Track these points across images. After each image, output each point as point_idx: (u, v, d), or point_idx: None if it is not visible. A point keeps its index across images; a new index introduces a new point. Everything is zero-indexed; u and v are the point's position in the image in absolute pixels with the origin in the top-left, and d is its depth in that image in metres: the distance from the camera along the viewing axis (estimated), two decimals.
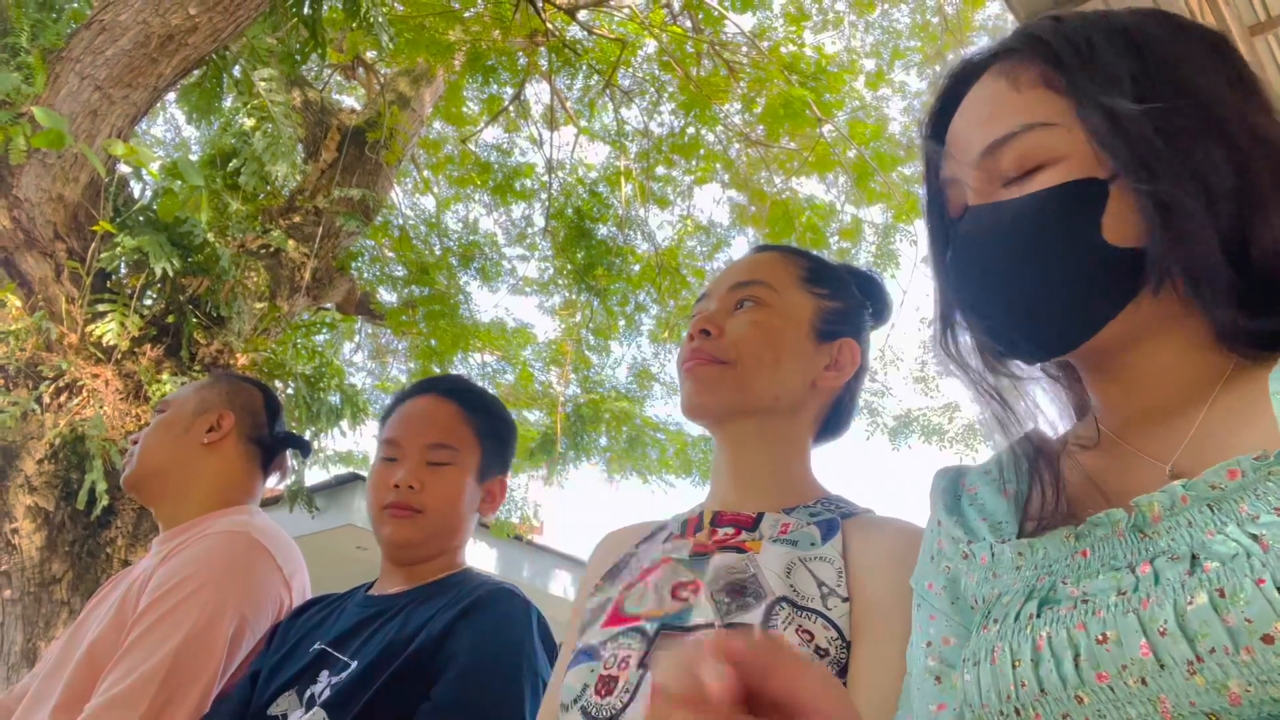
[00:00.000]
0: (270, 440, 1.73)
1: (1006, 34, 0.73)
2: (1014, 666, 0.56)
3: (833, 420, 1.11)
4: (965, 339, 0.73)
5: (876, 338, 1.16)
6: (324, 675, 1.23)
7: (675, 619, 0.91)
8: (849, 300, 1.10)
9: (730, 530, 0.99)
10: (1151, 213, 0.60)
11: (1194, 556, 0.51)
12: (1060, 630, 0.54)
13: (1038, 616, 0.57)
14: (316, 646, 1.29)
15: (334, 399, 4.58)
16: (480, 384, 1.58)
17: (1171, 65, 0.64)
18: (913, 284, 6.84)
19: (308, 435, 4.30)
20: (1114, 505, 0.60)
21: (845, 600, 0.87)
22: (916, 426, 8.09)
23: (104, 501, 3.16)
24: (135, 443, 1.66)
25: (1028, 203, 0.64)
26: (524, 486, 7.28)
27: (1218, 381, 0.63)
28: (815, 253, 1.18)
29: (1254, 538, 0.49)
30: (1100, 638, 0.52)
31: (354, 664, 1.21)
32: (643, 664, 0.88)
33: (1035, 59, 0.67)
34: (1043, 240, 0.63)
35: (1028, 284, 0.64)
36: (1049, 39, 0.67)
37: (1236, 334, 0.62)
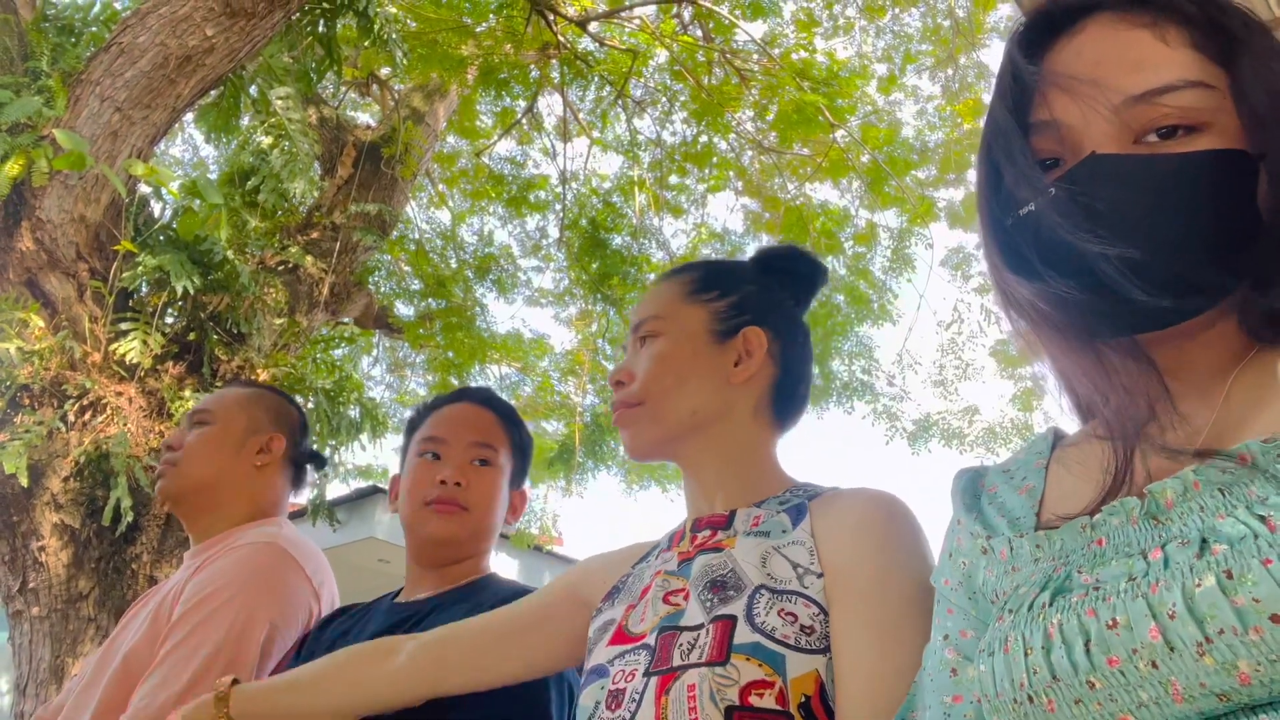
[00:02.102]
0: (301, 458, 1.76)
1: None
2: (1026, 654, 0.56)
3: (780, 403, 1.10)
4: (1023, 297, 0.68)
5: (893, 341, 1.16)
6: None
7: (669, 620, 0.93)
8: (741, 290, 1.10)
9: (708, 533, 1.01)
10: None
11: (1203, 540, 0.52)
12: (1071, 617, 0.54)
13: (1051, 605, 0.57)
14: None
15: (353, 413, 4.61)
16: (499, 395, 1.63)
17: None
18: (928, 287, 6.83)
19: (329, 449, 4.33)
20: (1134, 494, 0.60)
21: (820, 576, 0.89)
22: (936, 430, 8.05)
23: (129, 518, 3.19)
24: (172, 449, 1.66)
25: (1196, 161, 0.60)
26: (543, 497, 7.30)
27: (1235, 367, 0.62)
28: (714, 259, 1.18)
29: (1261, 519, 0.49)
30: (1110, 622, 0.52)
31: None
32: (647, 673, 0.90)
33: (1175, 18, 0.65)
34: (1206, 203, 0.60)
35: (1175, 246, 0.60)
36: (1202, 3, 0.65)
37: (1265, 320, 0.61)
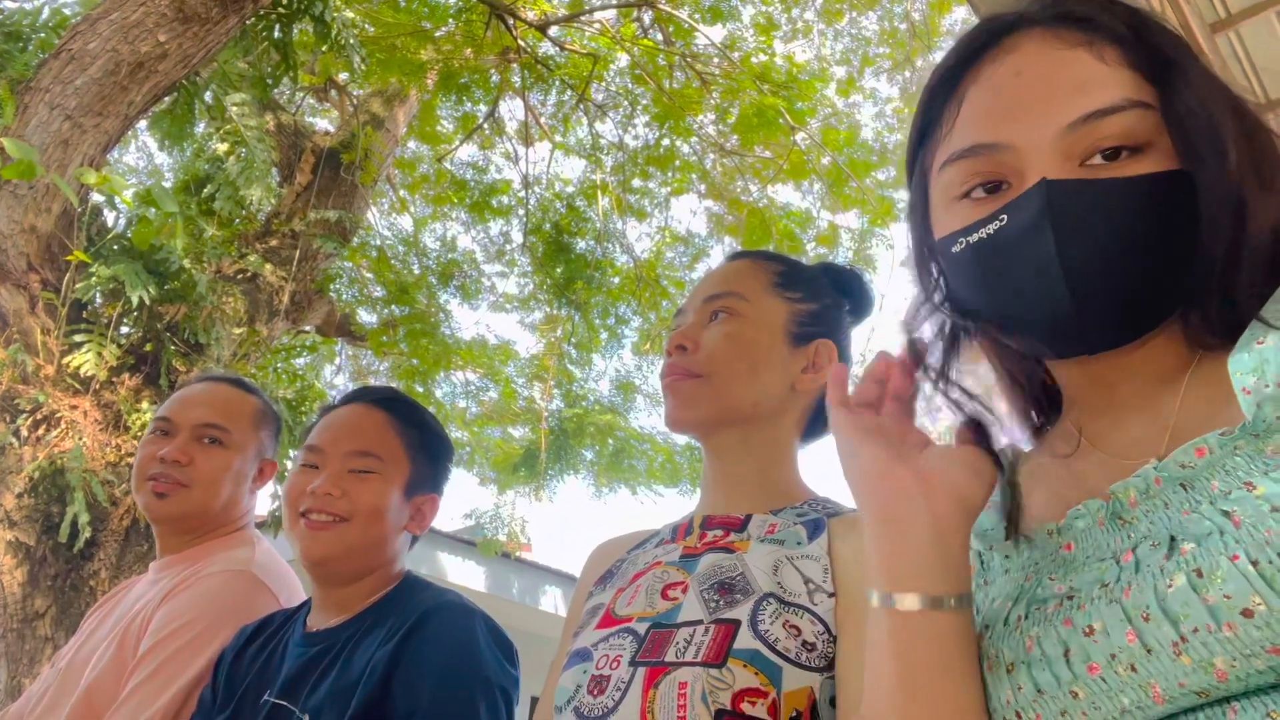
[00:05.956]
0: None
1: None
2: (1008, 671, 0.56)
3: (818, 419, 1.11)
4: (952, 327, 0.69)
5: (857, 341, 1.17)
6: None
7: (664, 618, 0.92)
8: (823, 300, 1.11)
9: (719, 532, 1.01)
10: (1230, 214, 0.60)
11: (1172, 539, 0.52)
12: (1049, 629, 0.55)
13: (1027, 618, 0.57)
14: (266, 699, 1.22)
15: None
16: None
17: (1214, 76, 0.65)
18: (891, 287, 6.89)
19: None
20: (1097, 496, 0.60)
21: (831, 595, 0.89)
22: None
23: (86, 534, 3.12)
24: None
25: (1142, 185, 0.60)
26: (511, 503, 7.25)
27: (1185, 374, 0.63)
28: (789, 255, 1.18)
29: (1226, 514, 0.50)
30: (1087, 629, 0.53)
31: (306, 719, 1.16)
32: (633, 662, 0.89)
33: (1109, 37, 0.64)
34: (1152, 226, 0.60)
35: (1133, 269, 0.60)
36: (1133, 23, 0.65)
37: (1208, 331, 0.62)
